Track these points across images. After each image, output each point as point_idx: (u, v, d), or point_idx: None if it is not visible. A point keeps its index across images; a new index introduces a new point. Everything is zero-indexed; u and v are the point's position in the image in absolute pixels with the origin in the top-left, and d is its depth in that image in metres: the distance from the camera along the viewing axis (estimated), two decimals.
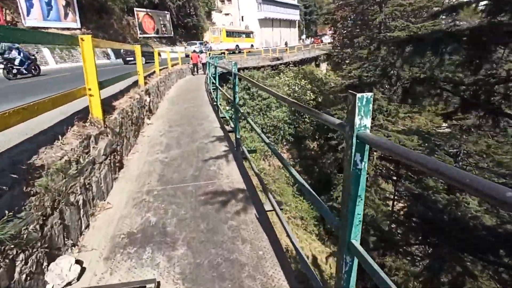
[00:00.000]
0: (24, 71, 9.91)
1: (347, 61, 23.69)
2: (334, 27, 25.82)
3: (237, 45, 36.00)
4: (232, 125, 5.40)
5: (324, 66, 45.31)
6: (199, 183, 3.15)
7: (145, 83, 7.14)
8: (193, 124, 5.83)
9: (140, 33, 30.07)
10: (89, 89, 3.01)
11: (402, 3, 15.76)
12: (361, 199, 1.16)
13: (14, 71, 9.68)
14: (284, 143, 26.54)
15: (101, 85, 3.50)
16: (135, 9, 29.01)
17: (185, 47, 29.67)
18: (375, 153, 18.03)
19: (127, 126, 4.09)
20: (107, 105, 3.73)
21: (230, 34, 35.99)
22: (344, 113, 18.20)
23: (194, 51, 21.63)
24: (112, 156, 3.20)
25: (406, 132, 17.26)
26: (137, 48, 6.12)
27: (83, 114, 3.07)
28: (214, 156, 3.97)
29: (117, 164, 3.37)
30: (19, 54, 9.51)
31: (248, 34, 40.96)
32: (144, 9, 30.37)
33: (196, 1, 35.69)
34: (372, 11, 17.32)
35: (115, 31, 27.44)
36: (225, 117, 6.53)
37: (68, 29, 22.65)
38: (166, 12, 32.77)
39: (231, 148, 4.25)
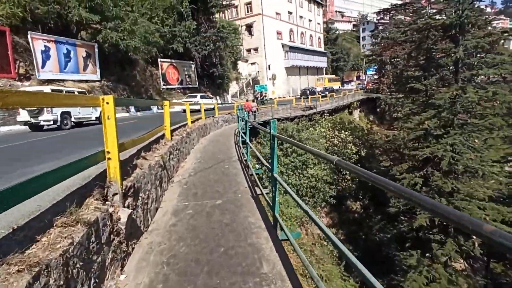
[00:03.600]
0: None
1: (398, 108, 20.06)
2: (382, 69, 22.91)
3: (332, 87, 46.82)
4: None
5: (356, 114, 42.27)
6: None
7: (134, 167, 3.67)
8: None
9: (164, 84, 28.42)
10: None
11: (492, 31, 12.33)
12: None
13: None
14: (322, 205, 22.28)
15: None
16: (159, 59, 27.66)
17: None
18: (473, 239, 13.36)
19: None
20: None
21: (329, 80, 52.56)
22: (415, 176, 14.07)
23: (247, 100, 23.04)
24: None
25: None
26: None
27: None
28: None
29: None
30: None
31: (336, 79, 57.53)
32: (169, 60, 29.06)
33: (223, 51, 34.50)
34: (441, 49, 13.89)
35: (137, 83, 25.84)
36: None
37: (86, 81, 20.98)
38: (191, 62, 31.44)
39: None
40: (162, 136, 6.07)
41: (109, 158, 2.80)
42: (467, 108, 13.12)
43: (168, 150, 5.56)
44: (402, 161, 15.42)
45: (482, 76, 12.96)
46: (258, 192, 4.80)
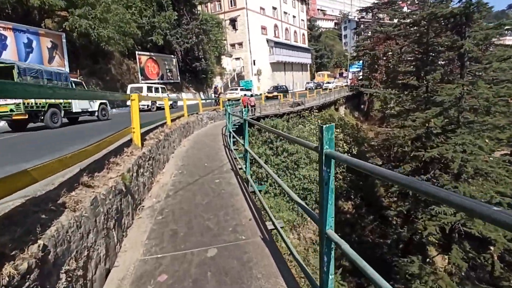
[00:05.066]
0: None
1: (391, 105, 19.02)
2: (374, 64, 21.83)
3: (328, 82, 52.09)
4: None
5: (342, 110, 41.58)
6: None
7: (57, 211, 2.04)
8: None
9: (142, 79, 26.22)
10: None
11: (504, 22, 11.23)
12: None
13: None
14: (314, 208, 21.15)
15: None
16: (137, 52, 25.40)
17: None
18: None
19: None
20: None
21: (328, 75, 60.07)
22: (422, 179, 12.96)
23: (245, 95, 24.40)
24: None
25: None
26: None
27: None
28: None
29: None
30: None
31: (332, 76, 62.79)
32: (148, 53, 26.84)
33: (206, 45, 32.49)
34: (444, 42, 12.75)
35: (112, 77, 23.57)
36: None
37: None
38: (172, 56, 29.32)
39: None
40: (128, 143, 4.39)
41: None
42: (474, 105, 12.08)
43: (135, 163, 3.91)
44: (397, 160, 14.30)
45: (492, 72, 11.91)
46: (269, 225, 3.25)
